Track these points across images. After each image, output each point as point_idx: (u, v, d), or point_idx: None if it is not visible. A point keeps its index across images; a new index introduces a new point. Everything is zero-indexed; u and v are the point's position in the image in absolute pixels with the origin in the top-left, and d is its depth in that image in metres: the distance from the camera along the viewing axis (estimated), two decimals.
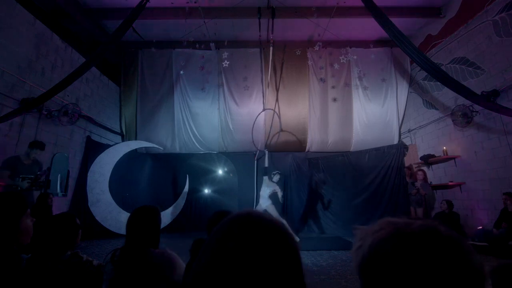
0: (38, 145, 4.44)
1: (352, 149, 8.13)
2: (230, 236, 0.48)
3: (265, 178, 6.45)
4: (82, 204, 6.07)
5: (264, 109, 7.76)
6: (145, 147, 8.04)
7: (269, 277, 0.44)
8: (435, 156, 6.58)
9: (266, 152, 6.85)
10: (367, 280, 0.46)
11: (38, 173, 4.35)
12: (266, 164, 6.70)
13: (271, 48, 7.08)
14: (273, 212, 5.98)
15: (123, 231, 5.76)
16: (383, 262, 0.43)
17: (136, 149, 7.84)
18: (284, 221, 5.95)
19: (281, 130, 8.01)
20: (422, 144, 7.38)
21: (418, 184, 6.31)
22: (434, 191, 6.72)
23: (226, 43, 7.44)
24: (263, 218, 0.52)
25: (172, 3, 6.34)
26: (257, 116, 7.72)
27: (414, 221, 0.47)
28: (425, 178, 6.43)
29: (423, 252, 0.41)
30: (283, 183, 6.79)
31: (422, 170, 6.63)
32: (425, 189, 6.26)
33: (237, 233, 0.48)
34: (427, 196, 6.41)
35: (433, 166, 6.93)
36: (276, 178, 6.41)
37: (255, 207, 6.65)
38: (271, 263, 0.45)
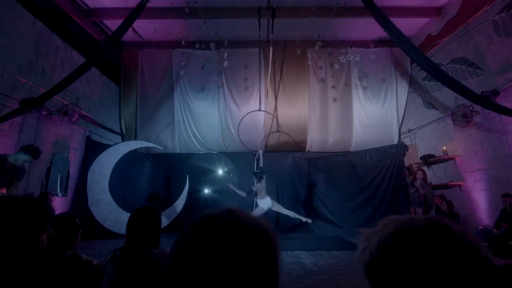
0: (29, 150, 3.74)
1: (352, 149, 8.12)
2: (199, 239, 0.48)
3: (264, 176, 6.44)
4: (82, 204, 6.07)
5: (259, 109, 7.72)
6: (145, 147, 8.03)
7: (236, 282, 0.43)
8: (435, 156, 6.58)
9: (261, 152, 6.85)
10: (377, 279, 0.45)
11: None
12: (261, 164, 6.71)
13: (271, 48, 7.07)
14: (278, 207, 6.29)
15: (123, 231, 5.80)
16: (392, 258, 0.43)
17: (136, 149, 7.83)
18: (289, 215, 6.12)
19: (278, 131, 8.00)
20: (422, 144, 7.37)
21: (417, 183, 6.31)
22: (434, 191, 6.71)
23: (226, 43, 7.43)
24: (235, 220, 0.50)
25: (172, 3, 6.33)
26: (245, 115, 7.64)
27: (417, 216, 0.48)
28: (424, 178, 6.43)
29: (428, 245, 0.41)
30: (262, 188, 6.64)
31: (422, 170, 6.62)
32: (424, 189, 6.25)
33: (204, 238, 0.47)
34: (427, 196, 6.41)
35: (433, 166, 6.93)
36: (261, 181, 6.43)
37: (255, 208, 6.64)
38: (239, 268, 0.44)
